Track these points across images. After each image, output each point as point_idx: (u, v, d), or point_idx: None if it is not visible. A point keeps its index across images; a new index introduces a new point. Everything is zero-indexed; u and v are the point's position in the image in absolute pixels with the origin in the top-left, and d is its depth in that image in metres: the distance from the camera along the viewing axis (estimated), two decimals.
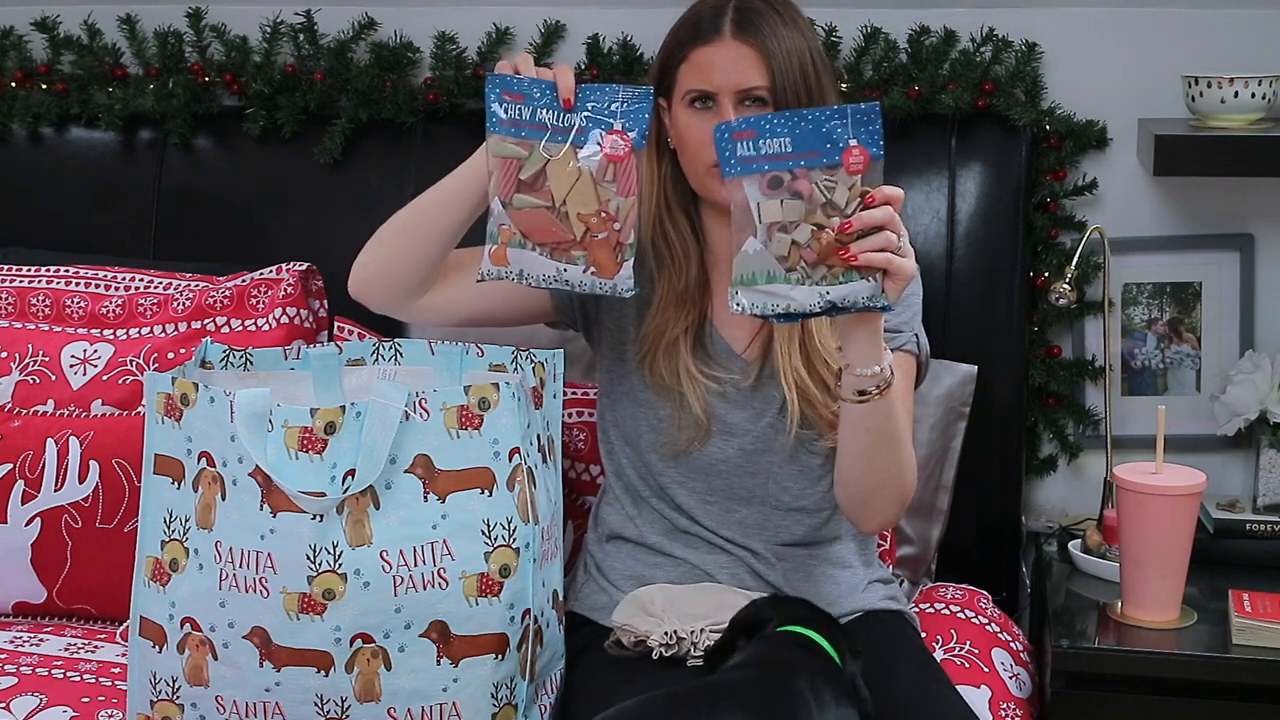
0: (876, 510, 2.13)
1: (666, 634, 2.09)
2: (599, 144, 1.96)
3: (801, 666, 1.87)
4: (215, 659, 2.02)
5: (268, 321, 2.57)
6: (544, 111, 1.97)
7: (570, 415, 2.46)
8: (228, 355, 2.21)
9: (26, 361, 2.55)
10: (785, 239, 1.86)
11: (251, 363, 2.22)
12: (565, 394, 2.42)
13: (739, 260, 1.88)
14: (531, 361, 2.16)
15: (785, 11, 2.15)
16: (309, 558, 1.98)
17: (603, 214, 1.96)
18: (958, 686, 2.16)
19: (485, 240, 1.99)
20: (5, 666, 2.28)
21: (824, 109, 1.87)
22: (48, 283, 2.67)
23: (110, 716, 2.17)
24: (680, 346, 2.19)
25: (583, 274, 1.97)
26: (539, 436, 2.11)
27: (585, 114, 1.96)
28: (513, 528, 2.01)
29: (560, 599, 2.15)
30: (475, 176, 2.10)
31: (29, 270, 2.71)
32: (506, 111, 1.97)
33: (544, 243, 1.97)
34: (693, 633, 2.08)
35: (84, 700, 2.20)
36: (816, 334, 2.16)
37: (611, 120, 1.96)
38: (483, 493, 2.01)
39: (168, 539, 2.05)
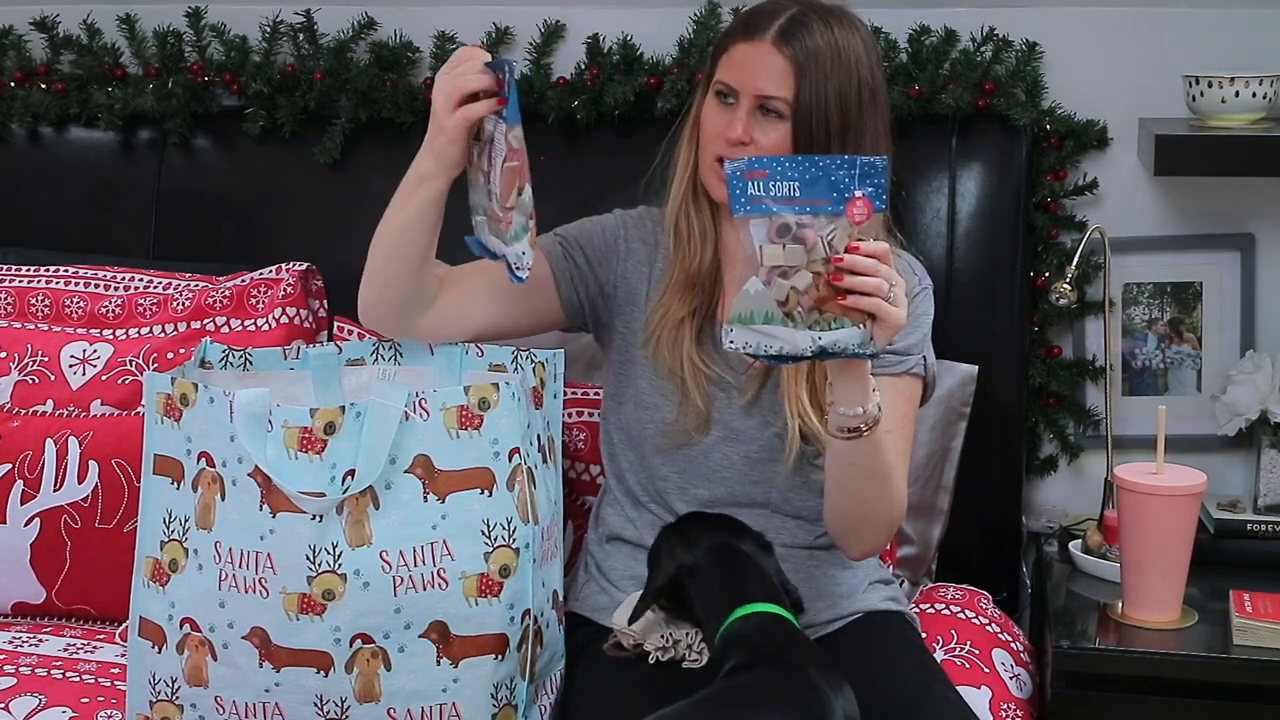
0: (861, 540, 2.13)
1: (664, 637, 2.09)
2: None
3: (803, 654, 1.88)
4: (215, 659, 2.02)
5: (267, 321, 2.57)
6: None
7: (570, 415, 2.46)
8: (227, 355, 2.21)
9: (26, 361, 2.55)
10: (785, 284, 1.88)
11: (251, 363, 2.22)
12: (565, 394, 2.42)
13: (739, 298, 1.90)
14: (532, 361, 2.16)
15: (845, 39, 2.11)
16: (308, 558, 1.98)
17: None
18: (958, 687, 2.16)
19: (517, 234, 1.99)
20: (4, 667, 2.28)
21: (834, 157, 1.88)
22: (47, 283, 2.67)
23: (109, 717, 2.16)
24: (686, 330, 2.19)
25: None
26: (539, 436, 2.10)
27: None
28: (513, 528, 2.01)
29: (560, 599, 2.14)
30: (423, 172, 2.08)
31: (28, 270, 2.71)
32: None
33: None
34: (688, 634, 2.08)
35: (83, 701, 2.19)
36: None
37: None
38: (482, 493, 2.00)
39: (167, 539, 2.05)
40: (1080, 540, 2.62)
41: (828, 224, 1.87)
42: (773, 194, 1.87)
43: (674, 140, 2.24)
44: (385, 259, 2.13)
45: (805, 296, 1.87)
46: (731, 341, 1.90)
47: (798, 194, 1.87)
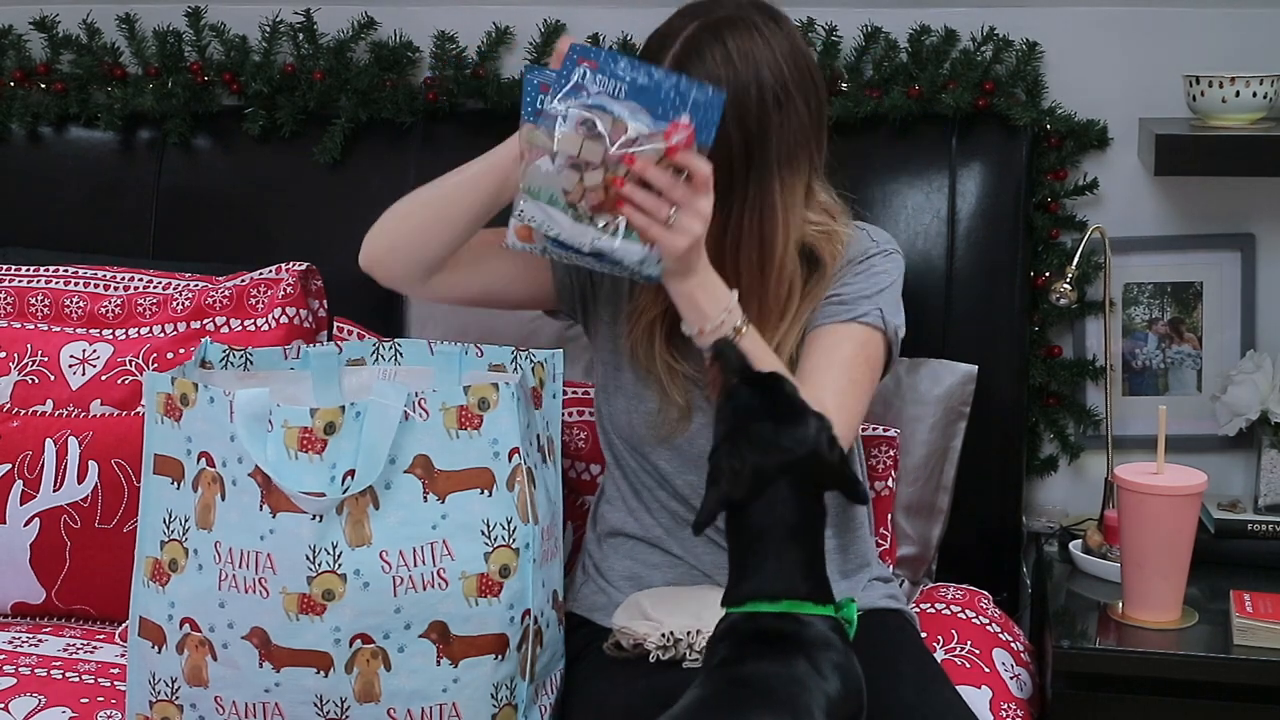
0: None
1: (664, 636, 2.09)
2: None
3: (803, 643, 1.85)
4: (214, 659, 2.02)
5: (267, 321, 2.57)
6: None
7: (571, 415, 2.46)
8: (228, 355, 2.21)
9: (25, 361, 2.55)
10: (574, 175, 1.90)
11: (252, 362, 2.22)
12: (566, 393, 2.42)
13: (532, 170, 1.91)
14: (531, 361, 2.16)
15: (742, 42, 2.04)
16: (308, 558, 1.98)
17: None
18: (958, 687, 2.15)
19: (512, 217, 1.96)
20: (4, 667, 2.28)
21: (668, 74, 1.90)
22: (47, 283, 2.67)
23: (109, 717, 2.16)
24: (656, 331, 2.19)
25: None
26: (539, 437, 2.10)
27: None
28: (512, 528, 2.01)
29: (560, 599, 2.14)
30: (502, 161, 2.08)
31: (28, 270, 2.71)
32: (541, 104, 1.96)
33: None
34: (689, 634, 2.08)
35: (83, 701, 2.20)
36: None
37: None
38: (482, 493, 2.00)
39: (167, 539, 2.05)
40: (1080, 540, 2.62)
41: (640, 134, 1.88)
42: (595, 87, 1.89)
43: None
44: (431, 220, 2.13)
45: (592, 194, 1.90)
46: (520, 211, 1.92)
47: (623, 95, 1.88)
